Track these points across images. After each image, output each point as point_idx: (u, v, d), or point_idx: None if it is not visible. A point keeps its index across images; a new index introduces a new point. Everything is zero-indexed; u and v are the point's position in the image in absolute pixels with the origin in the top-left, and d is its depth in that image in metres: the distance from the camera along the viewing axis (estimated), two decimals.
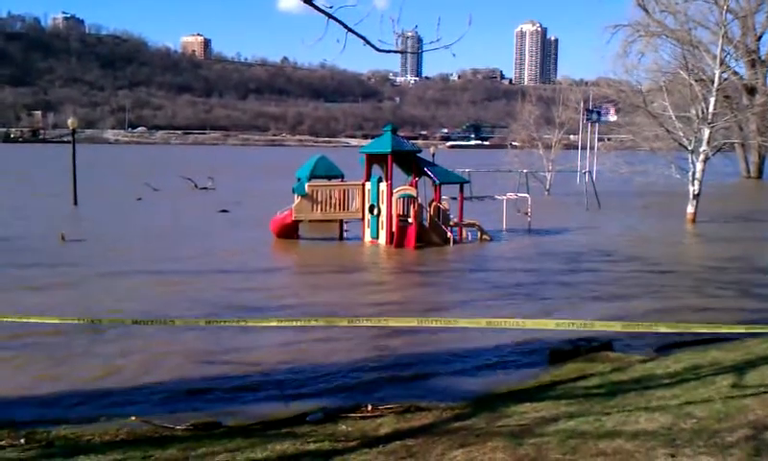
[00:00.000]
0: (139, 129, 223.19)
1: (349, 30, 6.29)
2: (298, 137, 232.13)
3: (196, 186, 44.65)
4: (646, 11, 51.74)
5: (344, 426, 7.57)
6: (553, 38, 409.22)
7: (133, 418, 7.83)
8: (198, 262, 18.86)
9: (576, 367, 9.97)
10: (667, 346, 11.17)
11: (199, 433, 7.53)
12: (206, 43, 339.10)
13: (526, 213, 26.98)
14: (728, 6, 32.24)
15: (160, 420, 7.88)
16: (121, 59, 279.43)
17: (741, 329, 8.66)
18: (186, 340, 11.45)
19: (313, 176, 25.25)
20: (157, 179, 47.64)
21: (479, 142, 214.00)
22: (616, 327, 9.76)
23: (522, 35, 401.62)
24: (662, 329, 9.17)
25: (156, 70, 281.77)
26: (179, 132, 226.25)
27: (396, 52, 6.64)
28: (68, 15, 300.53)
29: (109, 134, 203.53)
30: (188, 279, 16.61)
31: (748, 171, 67.96)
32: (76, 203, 33.11)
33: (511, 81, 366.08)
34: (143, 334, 11.56)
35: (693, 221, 29.60)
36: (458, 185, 24.16)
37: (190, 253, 20.54)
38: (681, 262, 20.16)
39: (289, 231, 23.47)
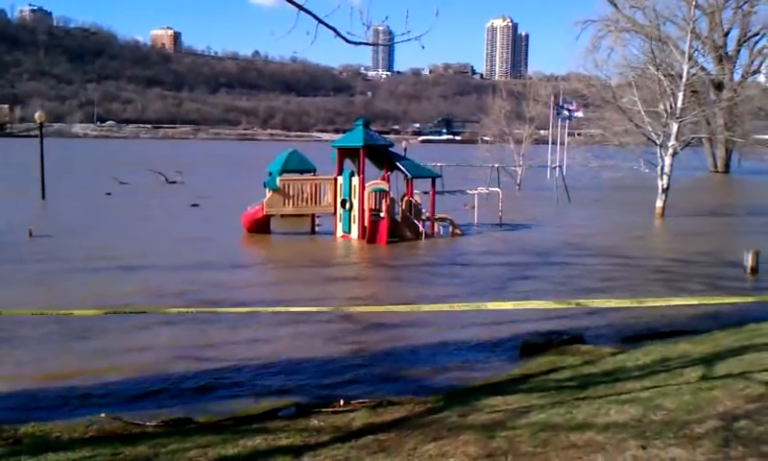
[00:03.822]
0: (108, 123, 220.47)
1: (320, 21, 6.24)
2: (269, 132, 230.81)
3: (167, 181, 44.25)
4: (615, 6, 52.27)
5: (316, 421, 7.54)
6: (524, 34, 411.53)
7: (103, 415, 7.75)
8: (167, 257, 18.70)
9: (547, 360, 10.03)
10: (637, 338, 11.28)
11: (169, 430, 7.46)
12: (176, 36, 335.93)
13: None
14: (696, 2, 32.63)
15: (130, 416, 7.80)
16: (90, 52, 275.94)
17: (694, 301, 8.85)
18: (157, 336, 11.35)
19: (285, 170, 25.15)
20: (127, 173, 47.17)
21: (451, 137, 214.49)
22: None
23: (493, 30, 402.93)
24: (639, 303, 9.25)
25: (126, 64, 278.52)
26: (148, 126, 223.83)
27: (366, 44, 6.60)
28: (35, 8, 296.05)
29: (78, 128, 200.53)
30: (157, 275, 16.47)
31: (715, 165, 68.93)
32: (44, 197, 32.68)
33: (482, 75, 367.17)
34: (113, 330, 11.44)
35: (662, 215, 29.90)
36: (430, 180, 24.18)
37: (159, 248, 20.37)
38: (649, 256, 20.36)
39: (260, 226, 23.34)
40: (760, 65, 70.49)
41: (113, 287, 14.88)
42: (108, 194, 36.10)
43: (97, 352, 10.46)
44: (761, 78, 74.19)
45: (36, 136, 37.76)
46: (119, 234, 22.73)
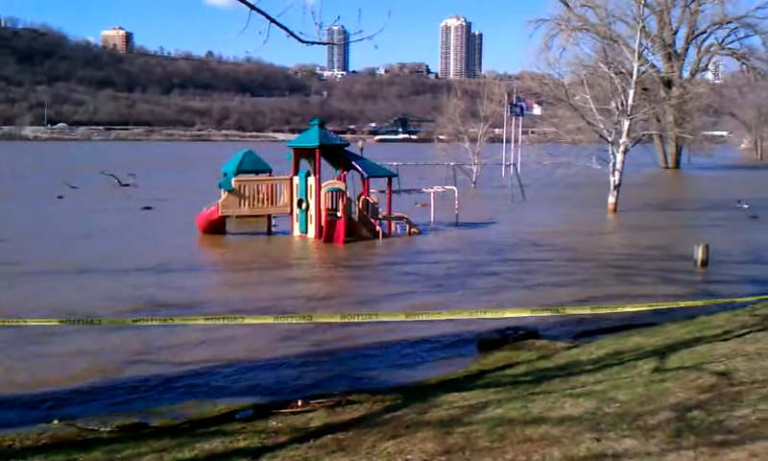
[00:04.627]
0: (59, 125, 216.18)
1: (272, 21, 6.22)
2: (224, 132, 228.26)
3: (120, 183, 43.52)
4: (567, 5, 53.06)
5: (274, 422, 7.51)
6: (477, 33, 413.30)
7: (56, 421, 7.62)
8: (121, 261, 18.42)
9: (504, 355, 10.12)
10: (590, 332, 11.43)
11: (124, 435, 7.37)
12: (128, 37, 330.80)
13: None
14: (645, 1, 33.14)
15: (84, 422, 7.68)
16: (39, 53, 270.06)
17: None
18: (110, 341, 11.18)
19: (240, 171, 24.97)
20: (79, 176, 46.27)
21: (407, 136, 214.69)
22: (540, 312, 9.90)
23: (447, 29, 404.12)
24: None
25: (77, 65, 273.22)
26: (100, 127, 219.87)
27: (318, 43, 6.60)
28: None
29: (28, 131, 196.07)
30: (111, 279, 16.22)
31: (666, 161, 70.06)
32: None
33: (437, 75, 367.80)
34: (65, 335, 11.23)
35: (614, 211, 30.34)
36: (386, 179, 24.22)
37: (112, 251, 20.06)
38: (603, 251, 20.65)
39: (216, 227, 23.15)
40: (708, 63, 71.94)
41: (67, 292, 14.62)
42: (60, 197, 35.48)
43: (49, 360, 10.25)
44: (709, 75, 75.80)
45: None
46: (71, 239, 22.35)
